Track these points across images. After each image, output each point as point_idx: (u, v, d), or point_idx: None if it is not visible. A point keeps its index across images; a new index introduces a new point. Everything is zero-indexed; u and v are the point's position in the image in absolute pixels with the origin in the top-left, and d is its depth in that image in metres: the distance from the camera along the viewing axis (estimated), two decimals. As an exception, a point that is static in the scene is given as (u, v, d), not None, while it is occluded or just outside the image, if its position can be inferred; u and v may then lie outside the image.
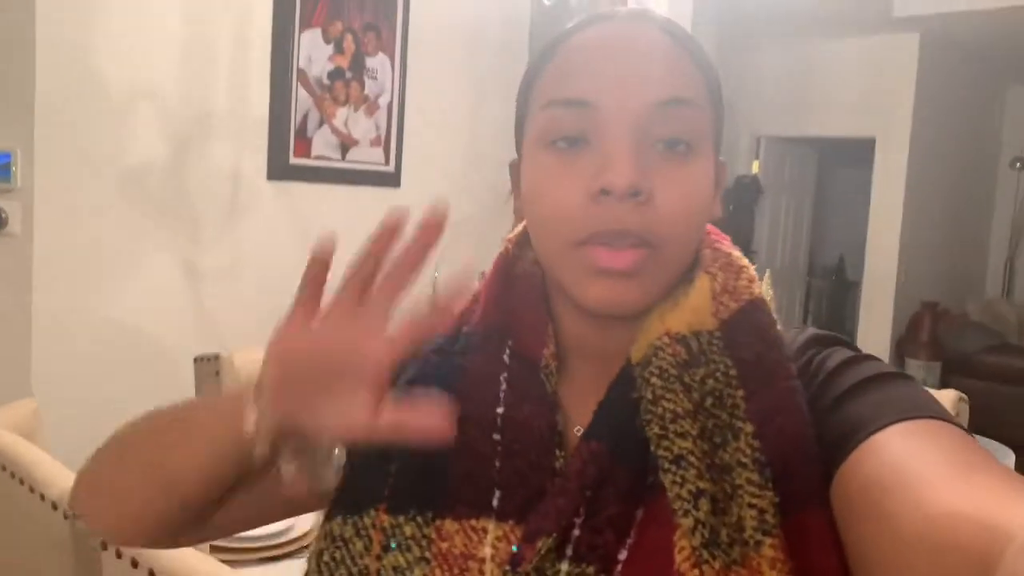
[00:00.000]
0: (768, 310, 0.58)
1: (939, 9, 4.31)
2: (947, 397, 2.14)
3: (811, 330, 0.60)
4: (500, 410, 0.57)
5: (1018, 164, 5.69)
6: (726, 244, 0.61)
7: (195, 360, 2.07)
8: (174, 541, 0.64)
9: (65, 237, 2.37)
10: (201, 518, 0.61)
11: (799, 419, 0.51)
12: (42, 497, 1.13)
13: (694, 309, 0.56)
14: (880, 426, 0.48)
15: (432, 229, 0.47)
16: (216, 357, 2.04)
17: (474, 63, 3.46)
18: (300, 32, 2.84)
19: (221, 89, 2.70)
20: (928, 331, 5.17)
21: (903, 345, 5.24)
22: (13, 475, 1.19)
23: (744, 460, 0.50)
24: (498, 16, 3.50)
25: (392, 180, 3.21)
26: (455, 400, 0.56)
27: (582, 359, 0.60)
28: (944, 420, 0.48)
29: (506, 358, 0.59)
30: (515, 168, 0.62)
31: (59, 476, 1.16)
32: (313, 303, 0.50)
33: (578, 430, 0.57)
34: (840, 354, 0.56)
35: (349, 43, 3.00)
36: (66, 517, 1.07)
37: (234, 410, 0.52)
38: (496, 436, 0.56)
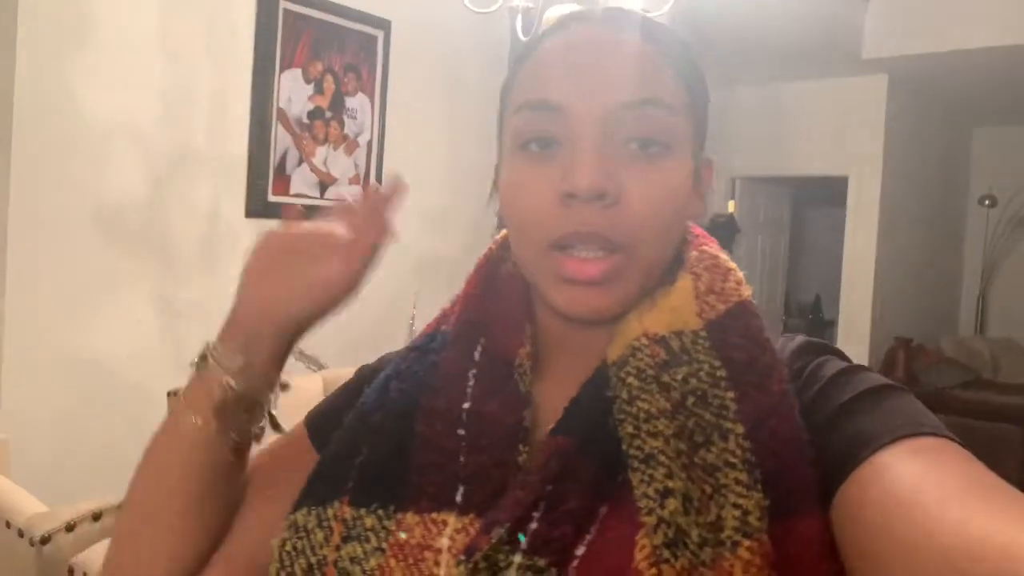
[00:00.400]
0: (758, 314, 0.57)
1: (906, 51, 4.44)
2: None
3: (801, 337, 0.60)
4: (466, 405, 0.57)
5: (986, 201, 5.82)
6: (713, 246, 0.61)
7: (168, 394, 2.06)
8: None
9: (40, 271, 2.36)
10: (211, 539, 0.61)
11: (792, 423, 0.50)
12: (8, 524, 1.11)
13: (674, 309, 0.55)
14: (883, 443, 0.47)
15: (396, 188, 0.60)
16: (190, 391, 2.02)
17: (453, 101, 3.52)
18: (281, 72, 2.89)
19: (201, 127, 2.73)
20: (903, 367, 5.22)
21: (880, 381, 5.28)
22: (-22, 505, 1.18)
23: (732, 460, 0.49)
24: (476, 56, 3.58)
25: (371, 217, 3.24)
26: (427, 396, 0.58)
27: (561, 358, 0.61)
28: (946, 437, 0.48)
29: (476, 355, 0.60)
30: (498, 170, 0.63)
31: (25, 504, 1.16)
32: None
33: (550, 427, 0.57)
34: (834, 364, 0.56)
35: (329, 83, 3.05)
36: (32, 544, 1.06)
37: (179, 411, 0.59)
38: (460, 431, 0.56)
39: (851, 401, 0.51)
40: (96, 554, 1.03)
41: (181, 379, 0.60)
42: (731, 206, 5.81)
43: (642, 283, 0.56)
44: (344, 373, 2.59)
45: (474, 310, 0.63)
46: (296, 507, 0.57)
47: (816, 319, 7.78)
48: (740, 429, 0.50)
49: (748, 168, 5.73)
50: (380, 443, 0.58)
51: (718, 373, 0.52)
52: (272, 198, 2.91)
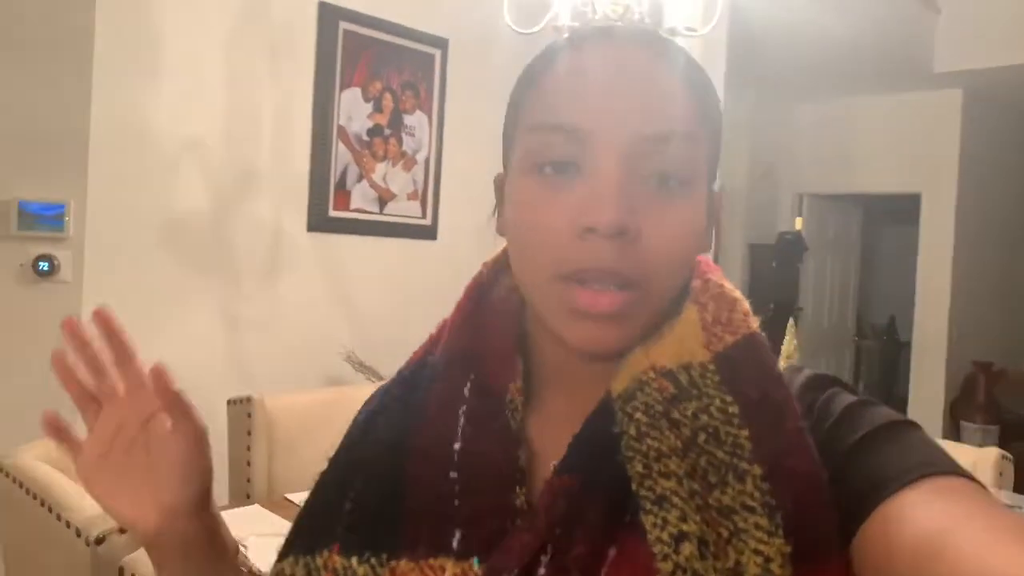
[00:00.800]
0: (768, 346, 0.55)
1: (979, 65, 4.28)
2: (990, 456, 2.06)
3: (806, 370, 0.58)
4: (457, 445, 0.54)
5: (1073, 220, 5.55)
6: (717, 275, 0.59)
7: (228, 402, 2.12)
8: None
9: (112, 284, 2.46)
10: None
11: (811, 463, 0.48)
12: (68, 524, 1.16)
13: (681, 341, 0.53)
14: (906, 482, 0.46)
15: (110, 325, 0.58)
16: (248, 399, 2.08)
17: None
18: (341, 91, 2.96)
19: (264, 145, 2.82)
20: (984, 392, 5.00)
21: (957, 407, 5.06)
22: (43, 503, 1.23)
23: (751, 504, 0.47)
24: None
25: (428, 233, 3.28)
26: (414, 434, 0.56)
27: (556, 390, 0.58)
28: (964, 476, 0.47)
29: (466, 391, 0.57)
30: (500, 184, 0.60)
31: (85, 504, 1.20)
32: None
33: (554, 465, 0.54)
34: (841, 398, 0.54)
35: (388, 102, 3.11)
36: (87, 544, 1.10)
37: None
38: (453, 473, 0.54)
39: (865, 438, 0.50)
40: (144, 556, 1.06)
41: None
42: (798, 223, 5.69)
43: (652, 319, 0.54)
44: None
45: (463, 340, 0.60)
46: (282, 556, 0.56)
47: (891, 341, 7.52)
48: (758, 470, 0.48)
49: (815, 185, 5.60)
50: (369, 486, 0.56)
51: (730, 409, 0.50)
52: (333, 213, 2.98)
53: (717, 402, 0.51)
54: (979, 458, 2.08)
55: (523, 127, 0.55)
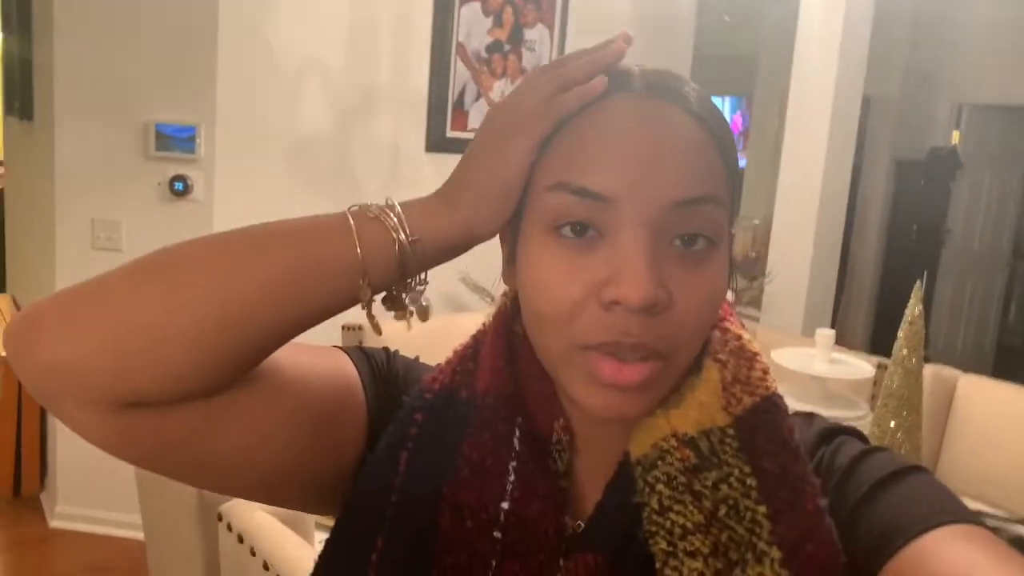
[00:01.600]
0: (786, 409, 0.53)
1: None
2: None
3: (816, 420, 0.56)
4: (505, 505, 0.52)
5: None
6: (734, 323, 0.56)
7: (343, 328, 2.21)
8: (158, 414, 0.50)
9: (241, 203, 2.59)
10: (237, 370, 0.51)
11: (831, 548, 0.48)
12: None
13: (702, 404, 0.51)
14: (918, 532, 0.46)
15: (620, 45, 0.53)
16: (360, 327, 2.16)
17: (637, 32, 3.35)
18: (461, 6, 2.88)
19: (384, 64, 2.81)
20: None
21: (1122, 345, 4.61)
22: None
23: None
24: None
25: (547, 152, 3.22)
26: (452, 485, 0.53)
27: (585, 443, 0.56)
28: (976, 523, 0.46)
29: (516, 442, 0.54)
30: (509, 234, 0.55)
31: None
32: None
33: (578, 525, 0.53)
34: (848, 448, 0.53)
35: (508, 15, 3.01)
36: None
37: (348, 230, 0.50)
38: (497, 534, 0.51)
39: (874, 487, 0.49)
40: (238, 506, 1.12)
41: (354, 311, 0.53)
42: (955, 137, 5.18)
43: (674, 384, 0.52)
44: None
45: (504, 379, 0.56)
46: None
47: (1052, 265, 6.88)
48: (777, 554, 0.47)
49: (978, 94, 5.04)
50: (398, 538, 0.53)
51: (748, 481, 0.49)
52: (450, 133, 2.97)
53: (736, 472, 0.50)
54: None
55: (542, 184, 0.50)
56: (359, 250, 0.50)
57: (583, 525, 0.53)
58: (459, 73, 2.94)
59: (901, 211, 5.22)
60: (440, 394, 0.57)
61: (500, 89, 3.05)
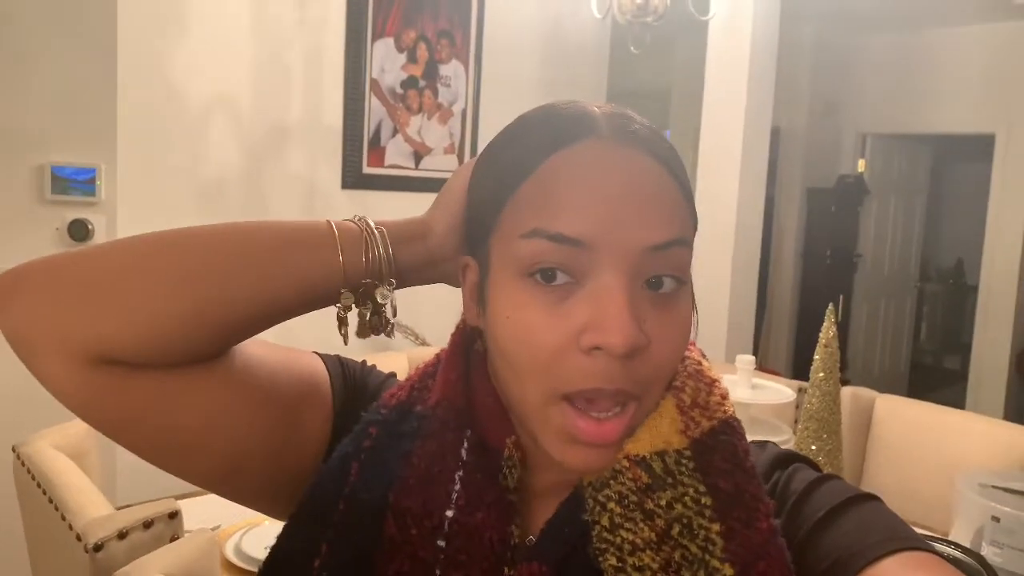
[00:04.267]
0: (743, 432, 0.54)
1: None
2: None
3: (771, 447, 0.58)
4: (450, 513, 0.52)
5: None
6: (694, 351, 0.57)
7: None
8: (132, 383, 0.52)
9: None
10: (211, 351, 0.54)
11: (783, 566, 0.48)
12: (70, 527, 1.16)
13: (655, 428, 0.52)
14: (872, 558, 0.46)
15: None
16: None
17: (549, 68, 3.40)
18: (373, 42, 2.86)
19: (295, 100, 2.76)
20: (1053, 344, 4.75)
21: (1024, 359, 4.84)
22: (50, 500, 1.23)
23: None
24: (574, 20, 3.43)
25: (467, 187, 3.20)
26: (397, 492, 0.54)
27: (538, 462, 0.56)
28: (927, 550, 0.47)
29: (464, 452, 0.54)
30: (468, 271, 0.56)
31: (92, 506, 1.19)
32: None
33: (530, 540, 0.54)
34: (801, 475, 0.54)
35: (423, 51, 3.00)
36: (87, 551, 1.10)
37: (333, 242, 0.54)
38: (441, 542, 0.52)
39: (827, 515, 0.50)
40: (143, 565, 1.05)
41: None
42: (861, 165, 5.41)
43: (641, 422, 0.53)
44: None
45: (458, 397, 0.57)
46: None
47: (957, 284, 7.23)
48: (729, 571, 0.47)
49: (881, 124, 5.30)
50: (341, 544, 0.53)
51: (703, 500, 0.50)
52: (367, 169, 2.92)
53: (691, 491, 0.50)
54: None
55: (516, 232, 0.50)
56: (341, 259, 0.53)
57: (534, 539, 0.53)
58: (374, 109, 2.90)
59: (814, 238, 5.39)
60: (396, 408, 0.58)
61: (417, 125, 3.02)
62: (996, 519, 1.56)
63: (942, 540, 1.59)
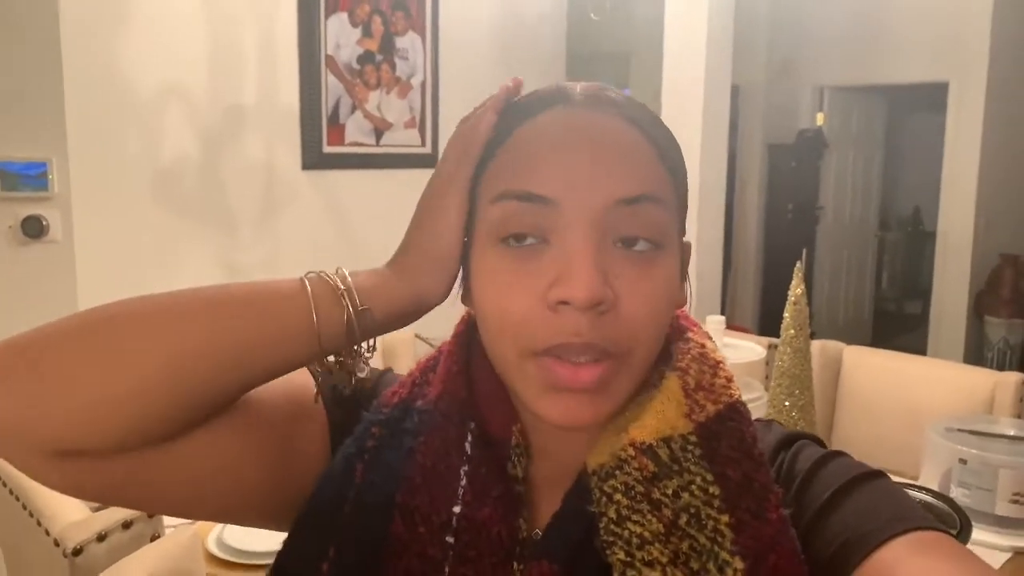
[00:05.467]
0: (750, 417, 0.53)
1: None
2: (1010, 380, 2.00)
3: (775, 427, 0.56)
4: (457, 509, 0.51)
5: (1112, 101, 5.25)
6: (698, 333, 0.57)
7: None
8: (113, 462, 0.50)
9: (104, 241, 2.42)
10: (183, 426, 0.51)
11: (794, 559, 0.47)
12: (47, 532, 1.14)
13: (661, 413, 0.51)
14: (881, 540, 0.46)
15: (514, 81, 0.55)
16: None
17: (508, 35, 3.36)
18: (326, 18, 2.80)
19: (250, 82, 2.70)
20: (1010, 286, 4.87)
21: (982, 301, 4.95)
22: (24, 507, 1.21)
23: None
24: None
25: (430, 161, 3.17)
26: (404, 491, 0.53)
27: (545, 450, 0.56)
28: (935, 529, 0.47)
29: (468, 446, 0.53)
30: (466, 256, 0.55)
31: (66, 510, 1.18)
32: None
33: (536, 533, 0.53)
34: (806, 454, 0.53)
35: (377, 25, 2.95)
36: (65, 556, 1.09)
37: (304, 298, 0.51)
38: (449, 539, 0.51)
39: (835, 495, 0.50)
40: (124, 566, 1.04)
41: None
42: (820, 119, 5.45)
43: (631, 389, 0.52)
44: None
45: (459, 389, 0.56)
46: None
47: (915, 232, 7.36)
48: (740, 564, 0.47)
49: (838, 77, 5.34)
50: (349, 546, 0.53)
51: (711, 489, 0.49)
52: (327, 149, 2.88)
53: (699, 480, 0.49)
54: (999, 381, 2.02)
55: (486, 195, 0.52)
56: (315, 319, 0.50)
57: (540, 533, 0.52)
58: (331, 87, 2.85)
59: (776, 193, 5.44)
60: (398, 407, 0.57)
61: (376, 100, 2.98)
62: (963, 461, 1.61)
63: (912, 485, 1.64)
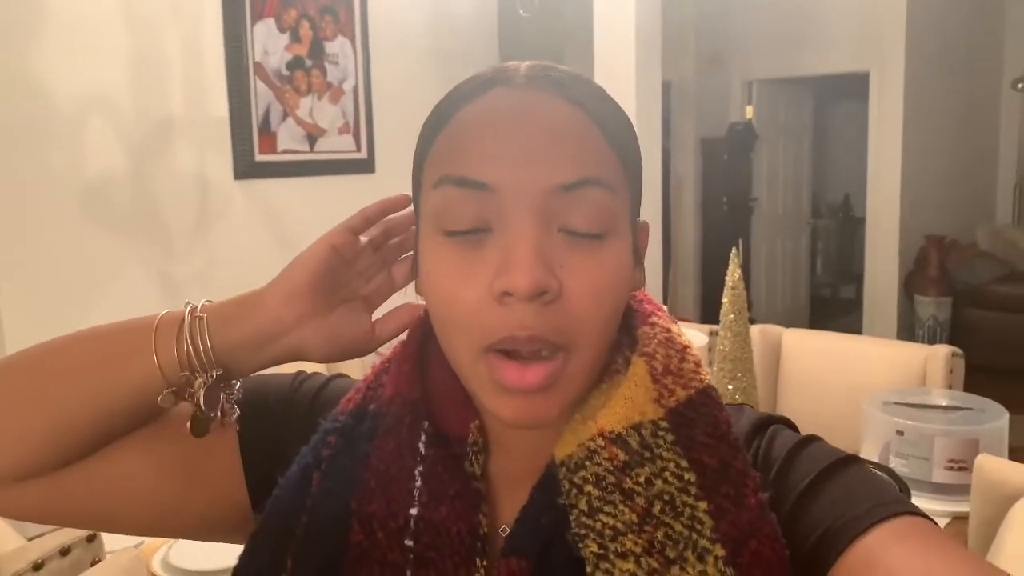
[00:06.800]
0: (721, 402, 0.52)
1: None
2: (940, 353, 2.07)
3: (747, 411, 0.56)
4: (414, 511, 0.50)
5: (1020, 85, 5.49)
6: (663, 317, 0.56)
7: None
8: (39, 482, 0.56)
9: (30, 260, 2.32)
10: (80, 454, 0.55)
11: (776, 543, 0.47)
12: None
13: (629, 400, 0.50)
14: (862, 529, 0.46)
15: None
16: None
17: (439, 37, 3.35)
18: (253, 24, 2.75)
19: (176, 92, 2.63)
20: (936, 265, 5.06)
21: (911, 281, 5.14)
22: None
23: None
24: (459, -14, 3.38)
25: (366, 166, 3.14)
26: (359, 498, 0.52)
27: (503, 443, 0.54)
28: (914, 514, 0.47)
29: (421, 446, 0.52)
30: (416, 247, 0.55)
31: (1, 540, 1.13)
32: (357, 230, 0.57)
33: (503, 530, 0.52)
34: (781, 439, 0.53)
35: (306, 30, 2.91)
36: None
37: (148, 342, 0.53)
38: (408, 542, 0.50)
39: (814, 482, 0.49)
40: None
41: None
42: (749, 112, 5.58)
43: (586, 380, 0.50)
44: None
45: (413, 389, 0.54)
46: None
47: (846, 218, 7.59)
48: (720, 551, 0.46)
49: (765, 70, 5.48)
50: (307, 556, 0.51)
51: (686, 476, 0.48)
52: (259, 157, 2.83)
53: (672, 466, 0.48)
54: (930, 355, 2.09)
55: (428, 181, 0.51)
56: (156, 360, 0.52)
57: (508, 529, 0.51)
58: (261, 94, 2.80)
59: (711, 186, 5.55)
60: (352, 413, 0.56)
61: (307, 106, 2.94)
62: (900, 433, 1.67)
63: (854, 460, 1.69)
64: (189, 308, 0.54)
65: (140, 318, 0.55)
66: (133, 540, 1.13)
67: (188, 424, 0.54)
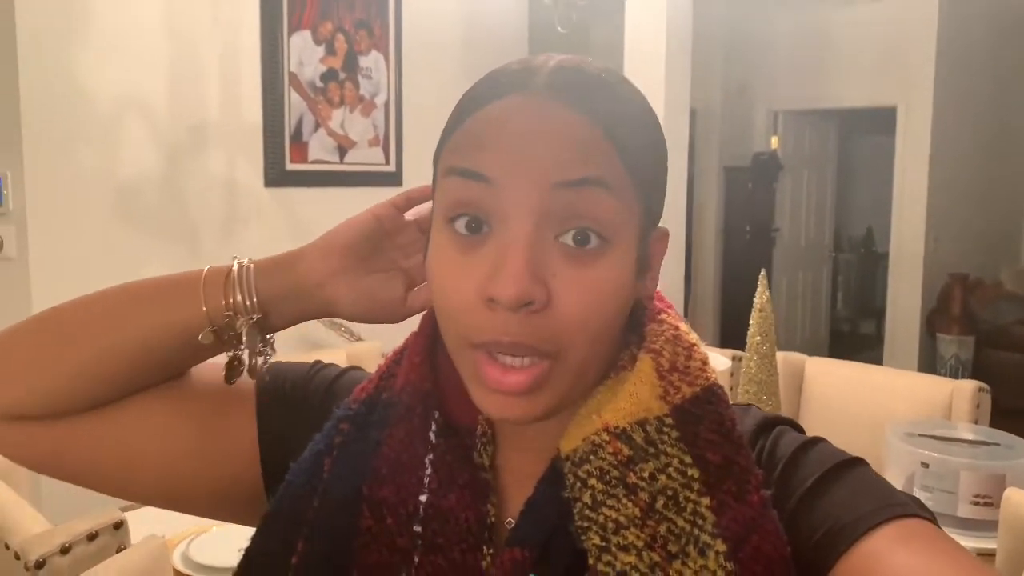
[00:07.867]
0: (727, 400, 0.52)
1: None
2: (966, 388, 2.05)
3: (753, 411, 0.56)
4: (423, 498, 0.51)
5: (1050, 125, 5.47)
6: (672, 315, 0.55)
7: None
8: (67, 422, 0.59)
9: (62, 257, 2.36)
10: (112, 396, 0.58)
11: (777, 539, 0.47)
12: (6, 546, 1.10)
13: (634, 396, 0.50)
14: (864, 530, 0.45)
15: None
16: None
17: (471, 54, 3.39)
18: (289, 35, 2.80)
19: (212, 98, 2.67)
20: (960, 304, 5.02)
21: (934, 319, 5.09)
22: (-18, 521, 1.17)
23: None
24: (491, 6, 3.43)
25: (394, 179, 3.17)
26: (370, 484, 0.53)
27: (509, 437, 0.55)
28: (918, 516, 0.47)
29: (432, 435, 0.53)
30: (429, 232, 0.56)
31: (27, 522, 1.14)
32: (401, 207, 0.60)
33: (509, 522, 0.53)
34: (786, 440, 0.53)
35: (341, 43, 2.95)
36: (27, 569, 1.05)
37: (196, 288, 0.56)
38: (417, 528, 0.51)
39: (818, 481, 0.49)
40: (90, 578, 1.01)
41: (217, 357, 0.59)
42: (774, 142, 5.59)
43: (575, 384, 0.50)
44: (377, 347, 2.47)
45: (425, 379, 0.56)
46: None
47: (868, 252, 7.55)
48: (722, 547, 0.46)
49: (791, 101, 5.49)
50: (318, 540, 0.53)
51: (689, 472, 0.48)
52: (290, 166, 2.86)
53: (675, 462, 0.48)
54: (956, 389, 2.07)
55: (441, 171, 0.51)
56: (202, 299, 0.56)
57: (513, 522, 0.52)
58: (294, 104, 2.84)
59: (733, 214, 5.55)
60: (365, 402, 0.57)
61: (339, 118, 2.98)
62: (925, 465, 1.65)
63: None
64: (236, 261, 0.57)
65: (185, 272, 0.58)
66: (157, 531, 1.13)
67: (224, 369, 0.58)
